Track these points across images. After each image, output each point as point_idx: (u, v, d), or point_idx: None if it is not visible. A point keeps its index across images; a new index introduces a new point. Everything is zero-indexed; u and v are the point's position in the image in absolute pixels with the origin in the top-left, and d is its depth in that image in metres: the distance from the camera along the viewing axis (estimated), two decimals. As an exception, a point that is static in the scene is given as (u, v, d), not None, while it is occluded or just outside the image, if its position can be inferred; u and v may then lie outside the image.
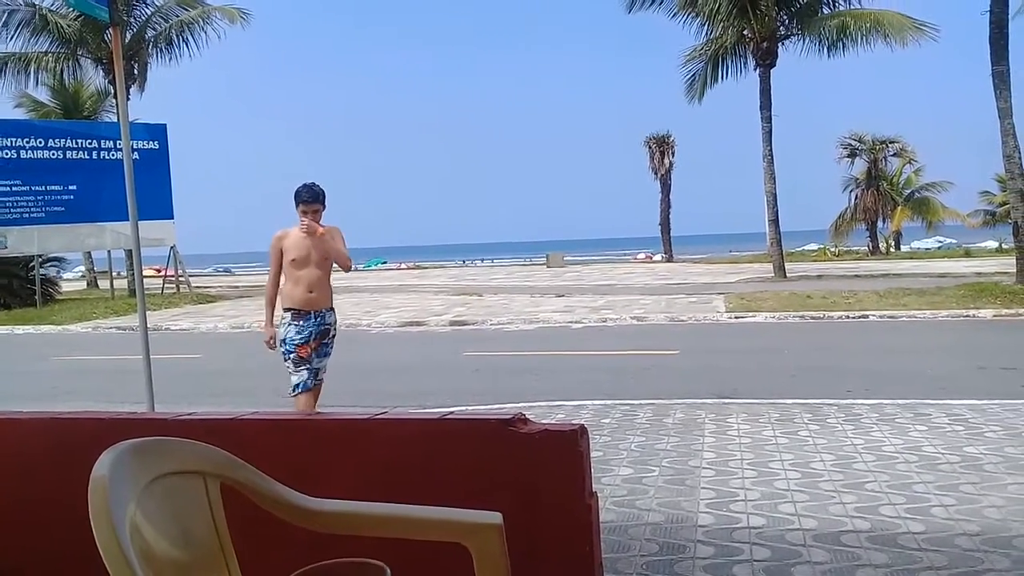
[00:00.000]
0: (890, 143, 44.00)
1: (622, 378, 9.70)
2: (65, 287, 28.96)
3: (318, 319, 5.86)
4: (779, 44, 24.62)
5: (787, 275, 23.93)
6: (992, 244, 43.58)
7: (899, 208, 44.49)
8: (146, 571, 1.51)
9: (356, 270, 46.73)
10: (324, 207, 5.85)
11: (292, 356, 5.82)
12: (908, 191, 45.70)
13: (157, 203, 23.56)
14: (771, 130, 24.25)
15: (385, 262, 58.67)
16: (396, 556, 2.16)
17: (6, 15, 25.09)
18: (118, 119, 7.01)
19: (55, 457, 2.91)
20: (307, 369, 5.78)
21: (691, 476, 5.18)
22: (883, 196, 43.20)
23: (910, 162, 45.24)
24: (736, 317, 15.36)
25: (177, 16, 26.92)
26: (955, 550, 3.80)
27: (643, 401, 7.64)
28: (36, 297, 22.98)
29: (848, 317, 14.79)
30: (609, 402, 7.66)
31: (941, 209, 45.62)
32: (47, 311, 21.48)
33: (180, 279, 26.02)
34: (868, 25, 23.46)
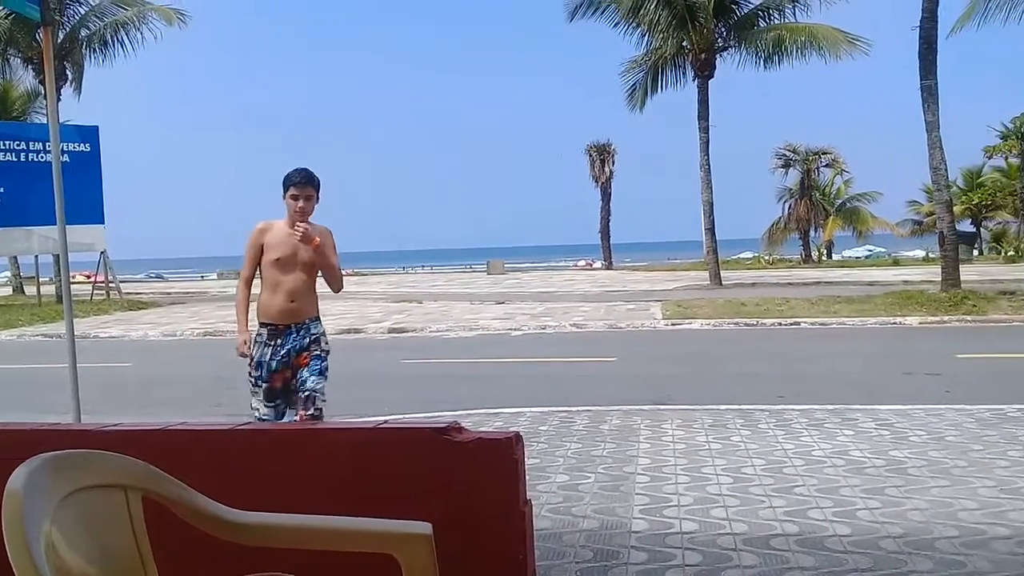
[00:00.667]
0: (823, 154, 45.09)
1: (560, 385, 9.75)
2: (-11, 293, 28.03)
3: (301, 332, 4.81)
4: (717, 56, 25.08)
5: (723, 283, 24.36)
6: (920, 253, 44.92)
7: (831, 218, 45.69)
8: (62, 588, 1.47)
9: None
10: (318, 198, 4.85)
11: (264, 388, 4.76)
12: (839, 201, 46.98)
13: (87, 207, 22.74)
14: (708, 140, 24.70)
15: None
16: (325, 568, 2.14)
17: (-70, 12, 24.23)
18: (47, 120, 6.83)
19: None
20: (274, 409, 4.76)
21: (626, 482, 5.22)
22: (815, 206, 44.25)
23: (841, 173, 46.51)
24: (673, 324, 15.57)
25: (113, 16, 26.29)
26: (880, 552, 3.90)
27: (580, 408, 7.69)
28: (-42, 303, 22.19)
29: (781, 324, 15.10)
30: (547, 409, 7.69)
31: (871, 219, 47.00)
32: (-30, 318, 20.74)
33: (110, 285, 25.38)
34: (803, 38, 24.09)
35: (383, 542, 1.83)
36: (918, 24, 17.69)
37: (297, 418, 4.69)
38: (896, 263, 37.26)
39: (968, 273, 20.55)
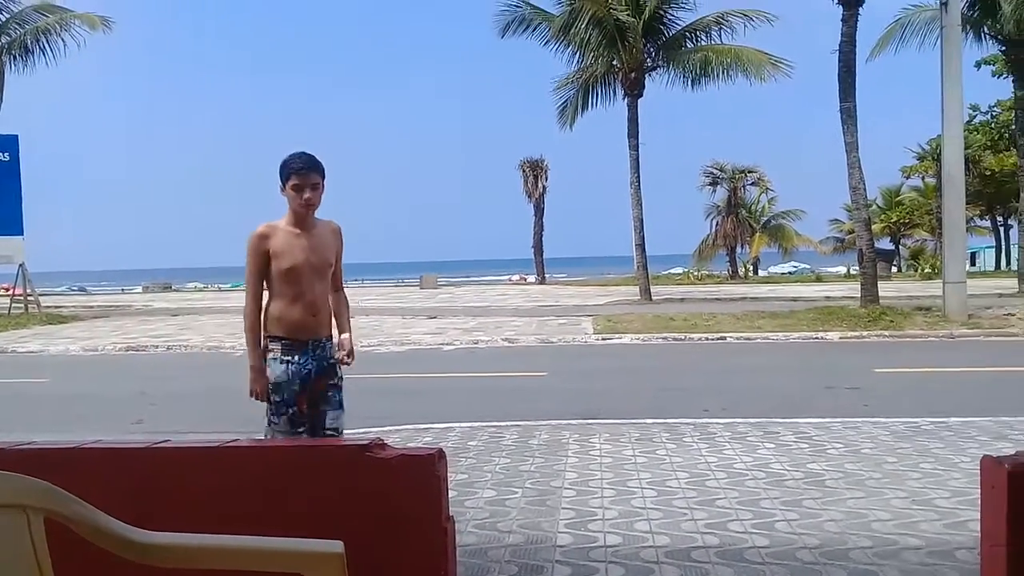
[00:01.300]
0: (749, 172, 46.17)
1: (490, 400, 9.76)
2: (-102, 306, 26.81)
3: (318, 352, 4.21)
4: (646, 75, 25.49)
5: (652, 298, 24.68)
6: (842, 270, 46.44)
7: (757, 235, 46.84)
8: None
9: (218, 290, 44.51)
10: (324, 186, 4.11)
11: (290, 412, 4.14)
12: (765, 219, 48.21)
13: (6, 218, 22.23)
14: (638, 157, 25.05)
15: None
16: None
17: None
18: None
19: None
20: (299, 437, 4.13)
21: (552, 496, 5.25)
22: (742, 223, 45.26)
23: (767, 191, 47.74)
24: (603, 339, 15.72)
25: (35, 22, 25.53)
26: (796, 563, 4.00)
27: (510, 423, 7.71)
28: None
29: (708, 339, 15.37)
30: (476, 424, 7.69)
31: (795, 236, 48.33)
32: None
33: (29, 298, 24.53)
34: (728, 60, 24.73)
35: (292, 561, 1.81)
36: (837, 48, 18.28)
37: None
38: (819, 279, 38.36)
39: (886, 290, 21.25)
